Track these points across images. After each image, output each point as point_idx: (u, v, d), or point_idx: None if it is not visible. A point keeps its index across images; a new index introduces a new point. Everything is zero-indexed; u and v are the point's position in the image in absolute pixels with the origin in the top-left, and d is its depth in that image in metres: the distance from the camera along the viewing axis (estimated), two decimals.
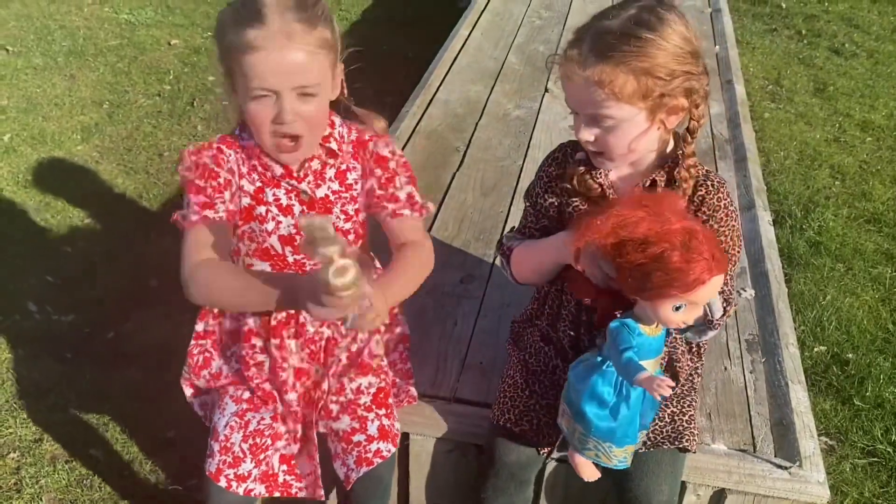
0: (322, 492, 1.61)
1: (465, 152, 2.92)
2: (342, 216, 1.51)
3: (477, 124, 3.13)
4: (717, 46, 4.02)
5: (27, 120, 4.07)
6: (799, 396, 1.85)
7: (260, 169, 1.45)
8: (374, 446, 1.58)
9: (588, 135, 1.42)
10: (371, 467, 1.57)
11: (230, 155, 1.44)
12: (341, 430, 1.59)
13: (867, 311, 3.02)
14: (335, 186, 1.49)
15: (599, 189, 1.49)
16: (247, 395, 1.58)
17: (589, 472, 1.54)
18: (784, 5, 6.32)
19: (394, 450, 1.61)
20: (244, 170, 1.45)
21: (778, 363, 1.94)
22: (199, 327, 1.60)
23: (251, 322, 1.53)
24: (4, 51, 4.83)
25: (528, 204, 1.64)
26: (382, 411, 1.61)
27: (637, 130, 1.40)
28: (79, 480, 2.18)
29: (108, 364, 2.58)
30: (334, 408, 1.60)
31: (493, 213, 2.55)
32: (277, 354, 1.53)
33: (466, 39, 3.93)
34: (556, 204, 1.56)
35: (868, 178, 3.96)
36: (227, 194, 1.42)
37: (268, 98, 1.31)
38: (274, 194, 1.46)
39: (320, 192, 1.48)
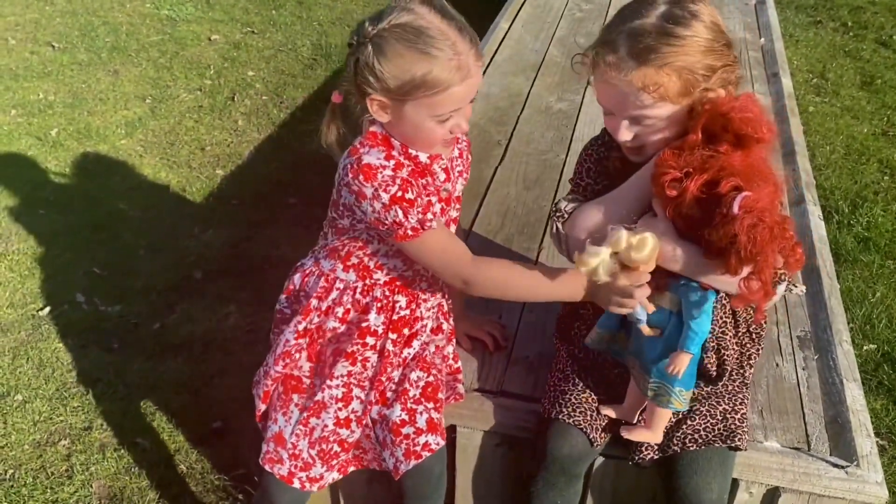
0: (386, 464, 1.65)
1: (508, 146, 2.90)
2: (458, 208, 1.61)
3: (519, 117, 3.11)
4: (763, 39, 3.94)
5: (73, 115, 4.15)
6: (854, 394, 1.81)
7: (428, 183, 1.49)
8: (422, 439, 1.58)
9: (629, 134, 1.44)
10: (420, 460, 1.58)
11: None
12: (392, 419, 1.60)
13: None
14: (459, 185, 1.60)
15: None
16: (310, 403, 1.60)
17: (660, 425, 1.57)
18: None
19: (442, 443, 1.62)
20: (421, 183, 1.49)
21: (832, 360, 1.89)
22: (301, 326, 1.58)
23: (372, 319, 1.55)
24: (50, 47, 4.93)
25: (575, 182, 1.64)
26: (431, 405, 1.62)
27: (678, 126, 1.41)
28: (127, 468, 2.22)
29: (155, 355, 2.62)
30: (390, 395, 1.61)
31: (536, 206, 2.53)
32: (392, 350, 1.58)
33: (507, 32, 3.91)
34: (598, 188, 1.58)
35: None
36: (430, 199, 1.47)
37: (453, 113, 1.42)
38: (439, 202, 1.52)
39: (450, 187, 1.56)
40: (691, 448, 1.54)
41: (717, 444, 1.54)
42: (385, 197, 1.37)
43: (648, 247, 1.32)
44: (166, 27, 5.31)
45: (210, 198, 3.53)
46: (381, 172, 1.38)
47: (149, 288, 2.94)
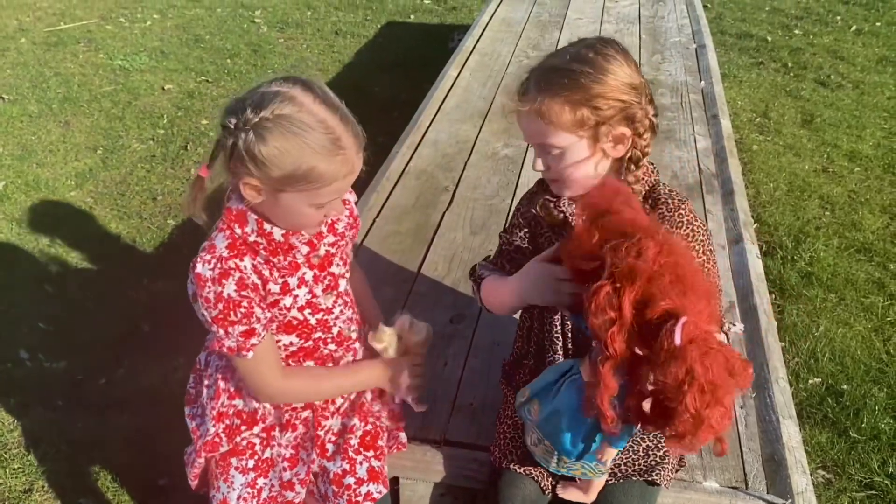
0: None
1: (455, 191, 2.94)
2: (340, 263, 1.54)
3: (466, 163, 3.16)
4: (703, 82, 4.07)
5: (22, 167, 4.11)
6: (790, 431, 1.84)
7: (282, 262, 1.44)
8: (363, 489, 1.58)
9: (539, 164, 1.50)
10: None
11: (247, 267, 1.39)
12: (333, 471, 1.59)
13: (860, 341, 3.02)
14: (331, 239, 1.52)
15: (562, 217, 1.53)
16: (251, 463, 1.59)
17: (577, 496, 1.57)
18: (770, 39, 6.42)
19: (385, 491, 1.61)
20: (266, 273, 1.42)
21: (768, 398, 1.93)
22: (214, 411, 1.56)
23: None
24: (0, 99, 4.89)
25: (503, 238, 1.67)
26: (371, 453, 1.62)
27: (580, 156, 1.45)
28: None
29: (100, 411, 2.57)
30: (330, 447, 1.61)
31: (482, 251, 2.56)
32: (319, 403, 1.59)
33: (455, 79, 3.98)
34: (528, 234, 1.61)
35: (857, 208, 3.98)
36: (257, 311, 1.40)
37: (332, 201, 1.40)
38: (298, 278, 1.47)
39: (322, 251, 1.50)
40: (610, 482, 1.58)
41: (634, 479, 1.58)
42: (207, 315, 1.37)
43: (423, 332, 1.58)
44: (119, 77, 5.31)
45: (161, 248, 3.51)
46: (209, 287, 1.34)
47: (95, 342, 2.89)
